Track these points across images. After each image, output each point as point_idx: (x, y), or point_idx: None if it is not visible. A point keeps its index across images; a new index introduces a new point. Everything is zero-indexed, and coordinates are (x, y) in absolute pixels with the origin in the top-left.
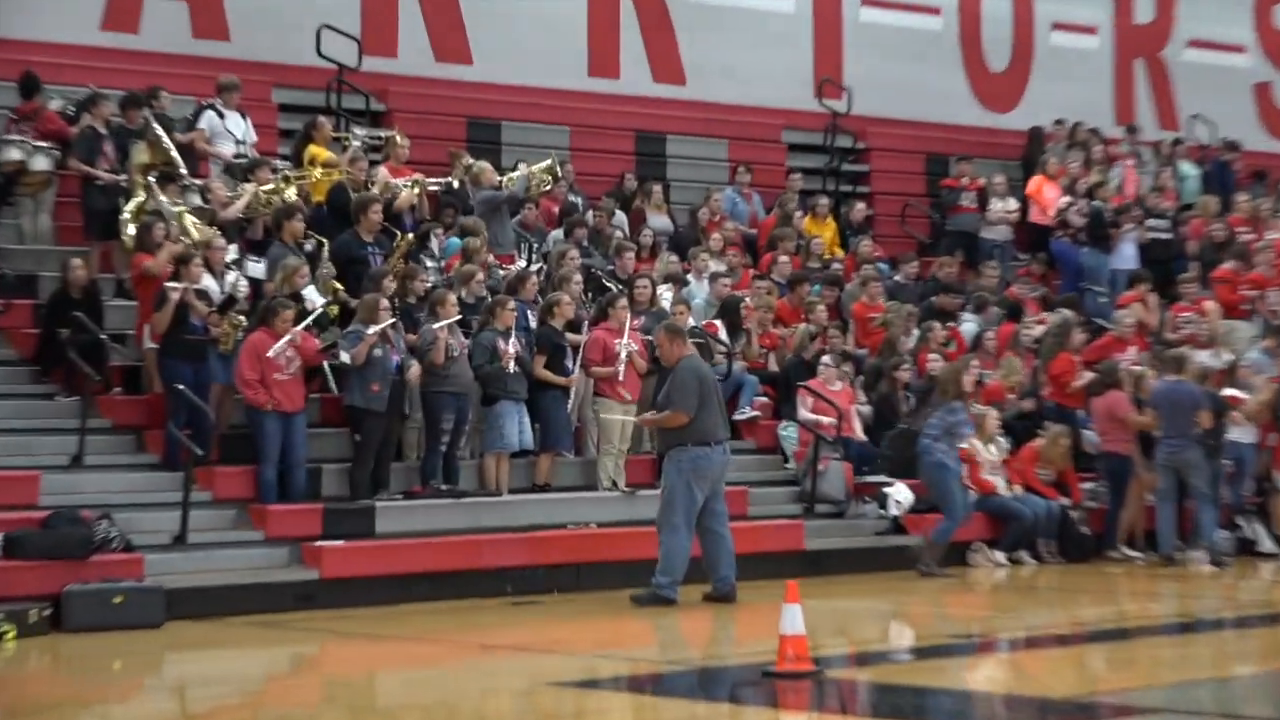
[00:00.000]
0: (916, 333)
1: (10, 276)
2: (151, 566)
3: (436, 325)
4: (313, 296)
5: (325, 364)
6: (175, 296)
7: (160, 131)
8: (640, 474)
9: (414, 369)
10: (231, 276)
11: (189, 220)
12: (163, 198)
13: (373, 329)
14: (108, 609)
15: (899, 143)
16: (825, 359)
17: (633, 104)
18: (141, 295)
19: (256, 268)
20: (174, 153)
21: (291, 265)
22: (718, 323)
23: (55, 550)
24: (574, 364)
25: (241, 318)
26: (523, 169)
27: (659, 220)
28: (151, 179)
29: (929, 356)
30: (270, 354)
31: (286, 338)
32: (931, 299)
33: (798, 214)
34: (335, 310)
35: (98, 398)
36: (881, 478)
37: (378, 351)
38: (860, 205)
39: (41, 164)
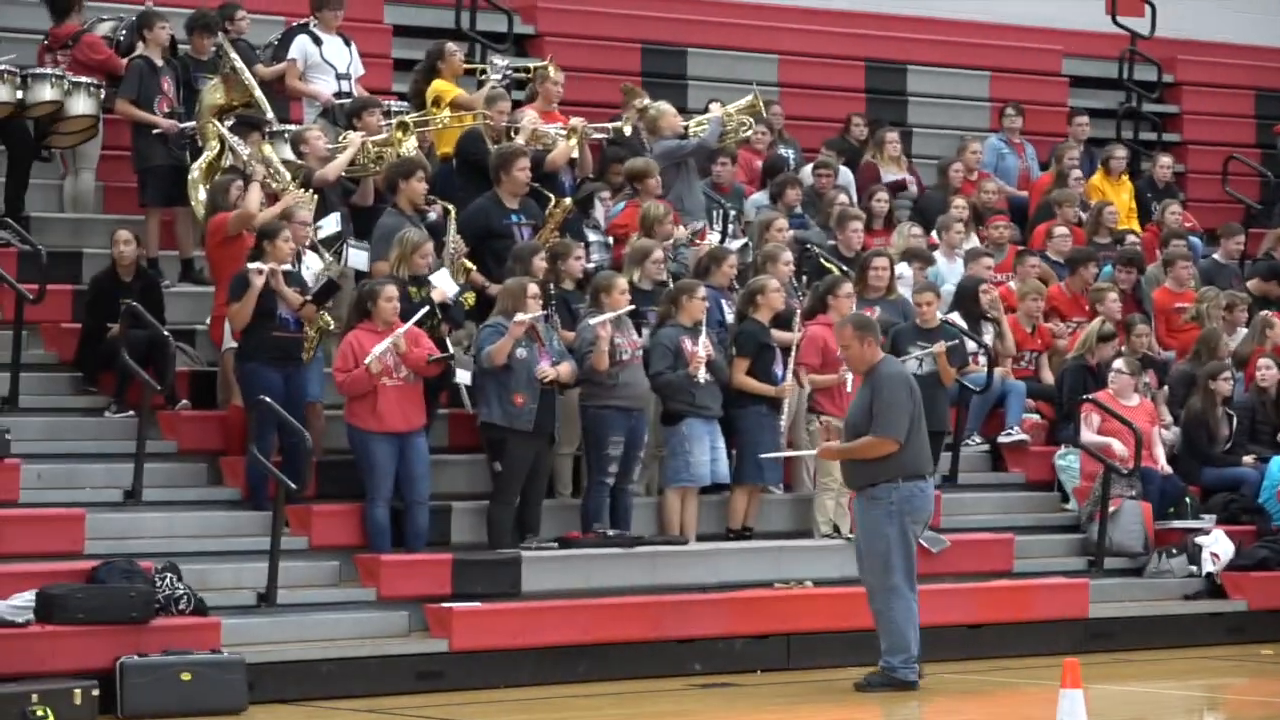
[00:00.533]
0: (1243, 330)
1: (45, 255)
2: (230, 634)
3: (598, 319)
4: (443, 284)
5: (462, 380)
6: (259, 281)
7: (239, 62)
8: None
9: (564, 370)
10: (313, 261)
11: (286, 173)
12: (244, 148)
13: (519, 317)
14: (173, 689)
15: (1219, 75)
16: (1118, 364)
17: (862, 23)
18: (221, 274)
19: (358, 256)
20: (257, 91)
21: (412, 240)
22: (954, 315)
23: (105, 612)
24: (785, 370)
25: (328, 317)
26: (716, 109)
27: (897, 179)
28: (227, 125)
29: (1261, 363)
30: (367, 361)
31: (388, 341)
32: (1261, 283)
33: (1075, 172)
34: (471, 299)
35: (159, 414)
36: (1193, 523)
37: (522, 352)
38: (1166, 159)
39: (83, 106)
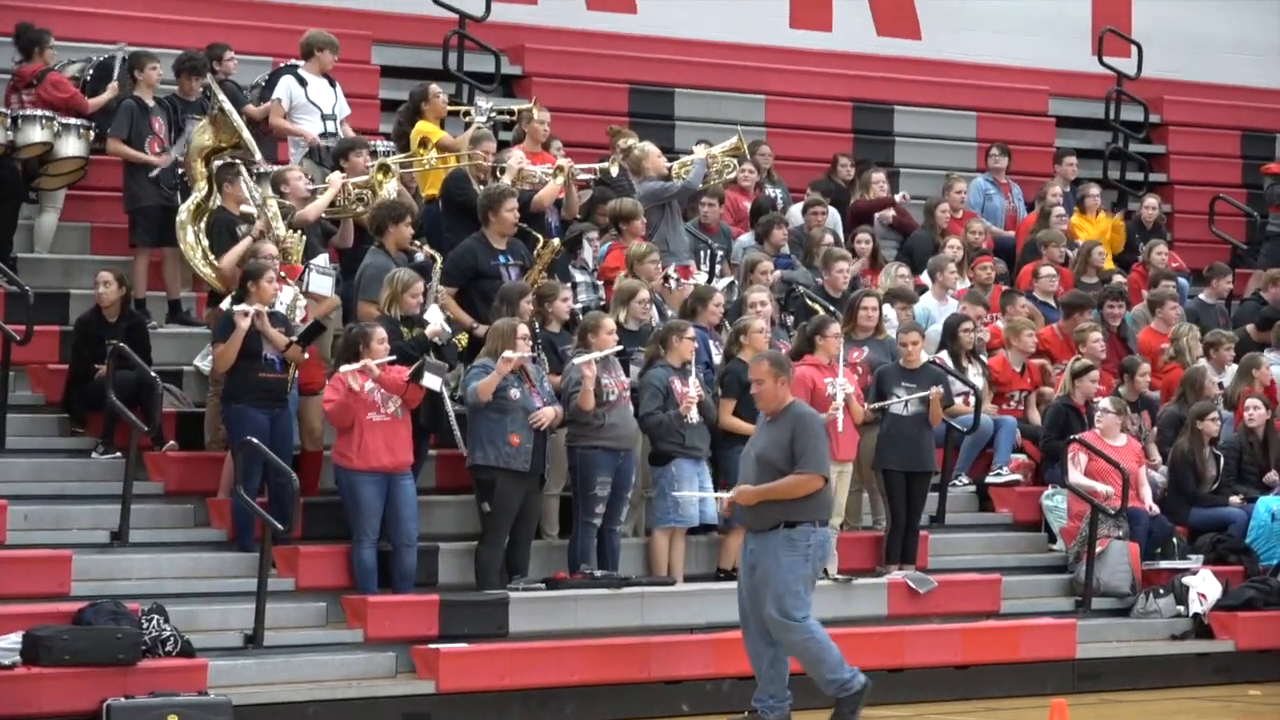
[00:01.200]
0: (1232, 369)
1: (31, 296)
2: (217, 676)
3: (583, 359)
4: (436, 320)
5: (449, 409)
6: (245, 323)
7: (227, 104)
8: (858, 556)
9: (547, 414)
10: (286, 294)
11: (274, 213)
12: (249, 186)
13: (506, 354)
14: None
15: (1206, 115)
16: (1104, 404)
17: (849, 64)
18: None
19: (322, 281)
20: (245, 132)
21: (403, 280)
22: (944, 355)
23: (92, 654)
24: None
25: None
26: (700, 151)
27: (881, 198)
28: (215, 167)
29: (1249, 403)
30: (351, 382)
31: (357, 365)
32: (1258, 332)
33: (1058, 210)
34: (464, 340)
35: (146, 455)
36: (1180, 563)
37: (516, 393)
38: (1152, 200)
39: (73, 147)
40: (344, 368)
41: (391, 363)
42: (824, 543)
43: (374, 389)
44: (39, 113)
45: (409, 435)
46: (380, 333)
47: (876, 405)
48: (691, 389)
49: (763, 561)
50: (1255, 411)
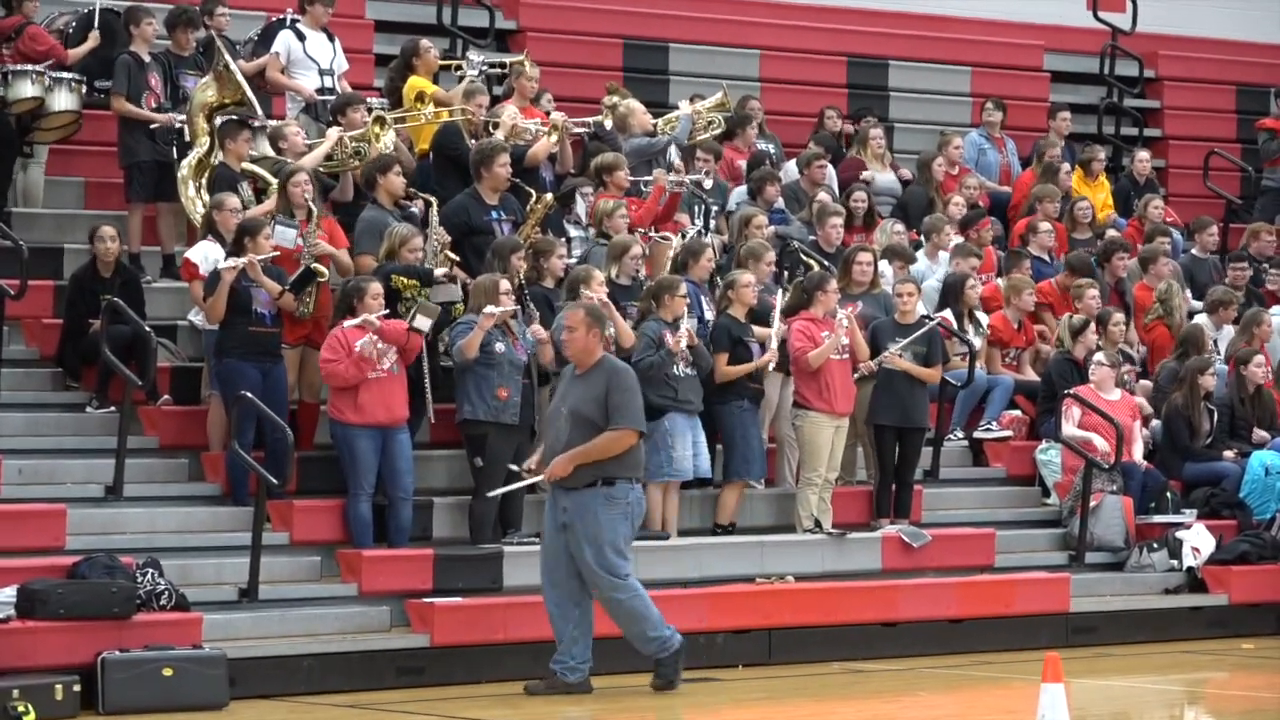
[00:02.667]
0: (1229, 327)
1: (26, 251)
2: (212, 629)
3: (486, 311)
4: (423, 325)
5: (424, 365)
6: (229, 277)
7: (231, 61)
8: (853, 511)
9: (540, 331)
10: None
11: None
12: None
13: (487, 309)
14: (155, 684)
15: (1200, 70)
16: (1098, 356)
17: (843, 19)
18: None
19: (284, 233)
20: (248, 89)
21: (400, 234)
22: (947, 313)
23: (87, 608)
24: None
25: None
26: (685, 107)
27: (882, 176)
28: (219, 123)
29: (1256, 361)
30: (354, 343)
31: (356, 320)
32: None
33: (1065, 166)
34: (460, 310)
35: (140, 409)
36: (1174, 517)
37: (501, 347)
38: (1144, 154)
39: (64, 102)
40: (346, 323)
41: (388, 315)
42: (641, 500)
43: (369, 344)
44: (30, 68)
45: (404, 391)
46: (375, 286)
47: (877, 360)
48: (682, 334)
49: (580, 520)
50: (1259, 370)
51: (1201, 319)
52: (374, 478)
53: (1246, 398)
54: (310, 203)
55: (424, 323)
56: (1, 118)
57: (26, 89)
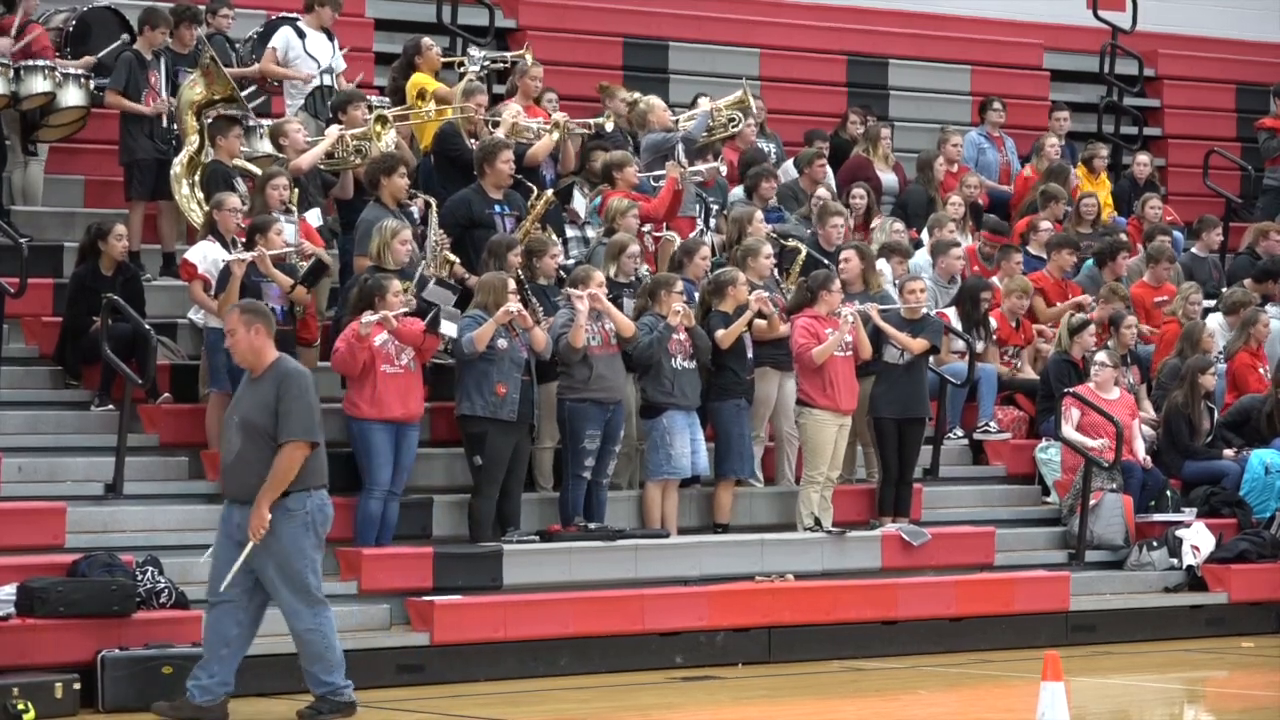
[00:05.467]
0: (1217, 321)
1: (26, 249)
2: None
3: (370, 318)
4: (451, 331)
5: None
6: (240, 271)
7: (213, 55)
8: (852, 509)
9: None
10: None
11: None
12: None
13: (507, 307)
14: (154, 682)
15: (1200, 69)
16: (1101, 357)
17: (843, 17)
18: None
19: (288, 228)
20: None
21: (390, 228)
22: (950, 311)
23: (86, 606)
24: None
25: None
26: (704, 104)
27: (883, 175)
28: (209, 120)
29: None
30: (367, 334)
31: (376, 316)
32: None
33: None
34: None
35: (140, 407)
36: (1174, 516)
37: (503, 343)
38: (1144, 158)
39: (74, 97)
40: (363, 319)
41: (407, 314)
42: (322, 506)
43: (388, 341)
44: (42, 63)
45: (420, 387)
46: (396, 284)
47: (859, 308)
48: (680, 338)
49: (270, 538)
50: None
51: (1217, 318)
52: (389, 472)
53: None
54: (289, 204)
55: (450, 328)
56: (7, 113)
57: (38, 84)
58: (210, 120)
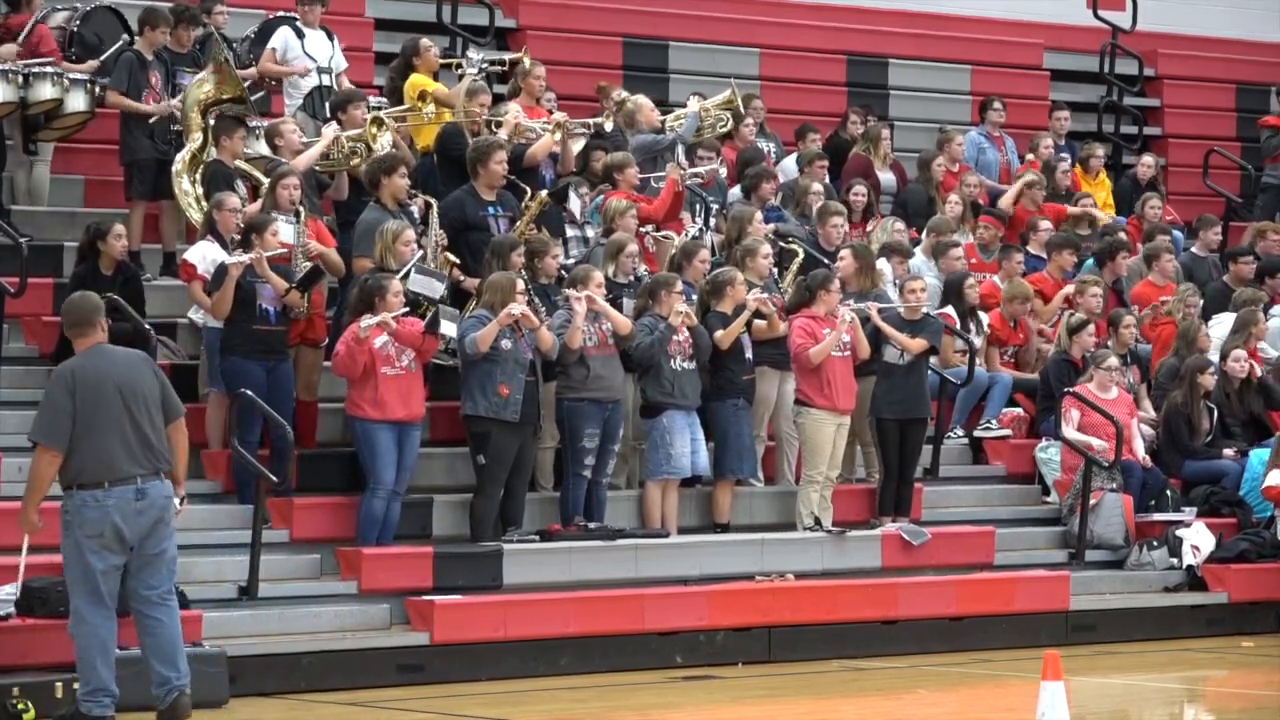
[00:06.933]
0: (1214, 323)
1: (26, 248)
2: (211, 627)
3: (369, 322)
4: (451, 331)
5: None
6: (236, 272)
7: (228, 55)
8: (852, 508)
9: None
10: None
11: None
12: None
13: (513, 308)
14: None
15: (1200, 69)
16: (1112, 362)
17: (843, 17)
18: None
19: (285, 229)
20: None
21: (392, 230)
22: (949, 310)
23: None
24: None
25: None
26: (694, 104)
27: (881, 175)
28: (214, 119)
29: (1234, 355)
30: (366, 336)
31: (375, 319)
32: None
33: (1064, 165)
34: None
35: None
36: (1174, 515)
37: (507, 343)
38: (1147, 159)
39: (80, 102)
40: (362, 322)
41: (406, 314)
42: (82, 505)
43: (388, 343)
44: (50, 69)
45: (422, 387)
46: (395, 285)
47: (857, 307)
48: (682, 311)
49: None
50: (1237, 365)
51: (1226, 317)
52: (394, 473)
53: (1233, 393)
54: (298, 204)
55: (449, 328)
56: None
57: (46, 90)
58: (216, 119)
